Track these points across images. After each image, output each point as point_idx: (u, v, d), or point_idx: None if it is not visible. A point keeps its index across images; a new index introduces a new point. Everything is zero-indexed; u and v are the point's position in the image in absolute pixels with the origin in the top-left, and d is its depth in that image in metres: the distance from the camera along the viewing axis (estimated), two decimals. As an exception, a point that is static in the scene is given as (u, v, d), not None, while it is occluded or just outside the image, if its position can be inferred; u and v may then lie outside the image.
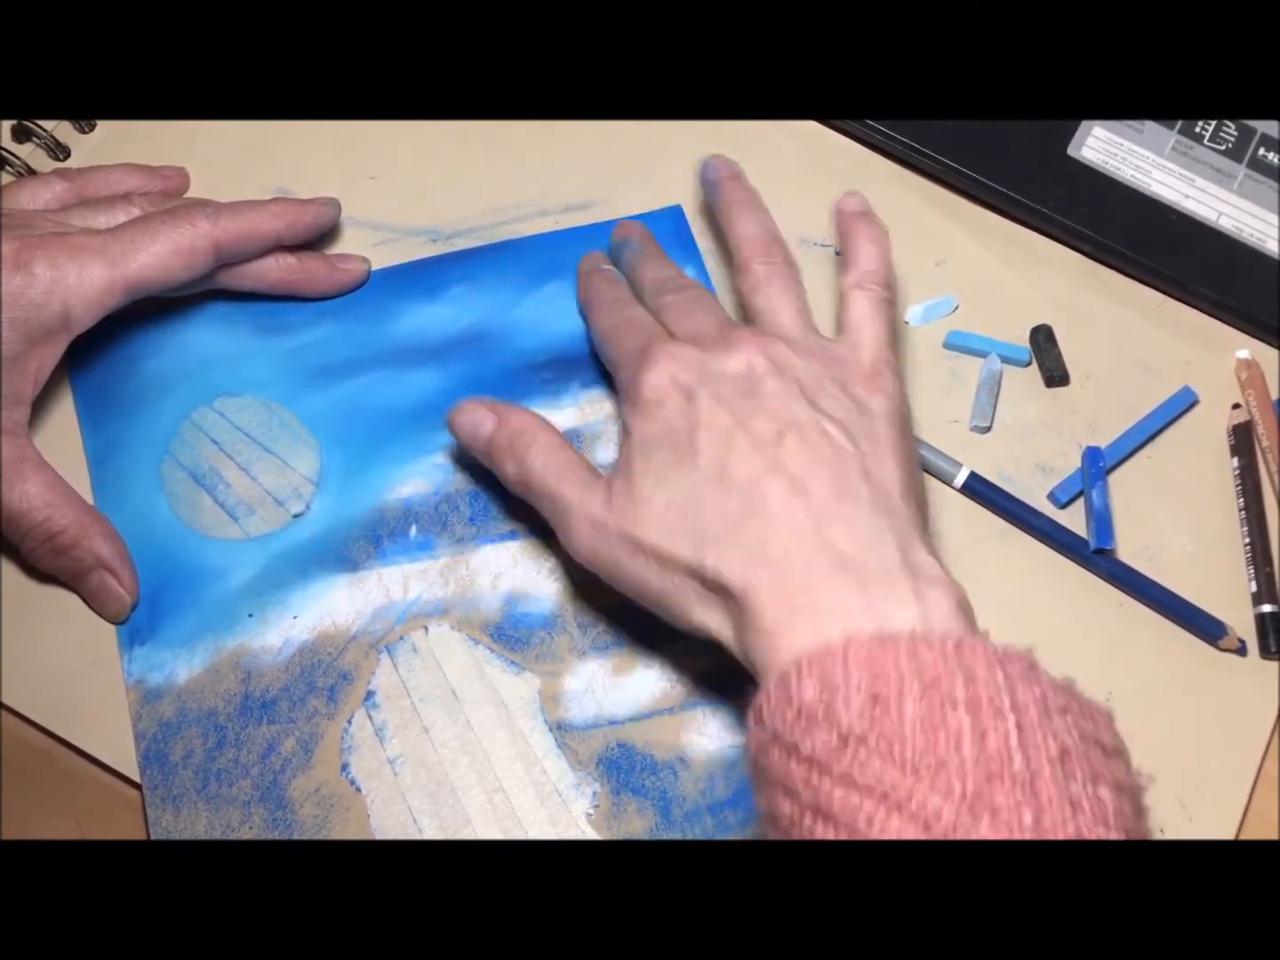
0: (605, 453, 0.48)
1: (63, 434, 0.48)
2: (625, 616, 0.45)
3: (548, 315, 0.50)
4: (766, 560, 0.36)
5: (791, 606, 0.35)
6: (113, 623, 0.45)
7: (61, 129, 0.52)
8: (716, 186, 0.49)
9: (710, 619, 0.38)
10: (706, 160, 0.50)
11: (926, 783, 0.30)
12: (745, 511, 0.37)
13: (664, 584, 0.39)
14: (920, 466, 0.43)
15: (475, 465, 0.47)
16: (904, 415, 0.42)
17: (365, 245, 0.51)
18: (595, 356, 0.49)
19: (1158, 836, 0.45)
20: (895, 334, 0.44)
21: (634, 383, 0.42)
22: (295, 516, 0.47)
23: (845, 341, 0.43)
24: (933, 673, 0.32)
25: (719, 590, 0.37)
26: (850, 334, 0.43)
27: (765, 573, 0.36)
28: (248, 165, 0.52)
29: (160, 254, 0.44)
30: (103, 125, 0.53)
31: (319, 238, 0.50)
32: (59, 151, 0.52)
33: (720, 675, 0.45)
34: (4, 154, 0.51)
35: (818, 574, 0.36)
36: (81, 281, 0.43)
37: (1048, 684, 0.33)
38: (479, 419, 0.44)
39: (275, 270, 0.48)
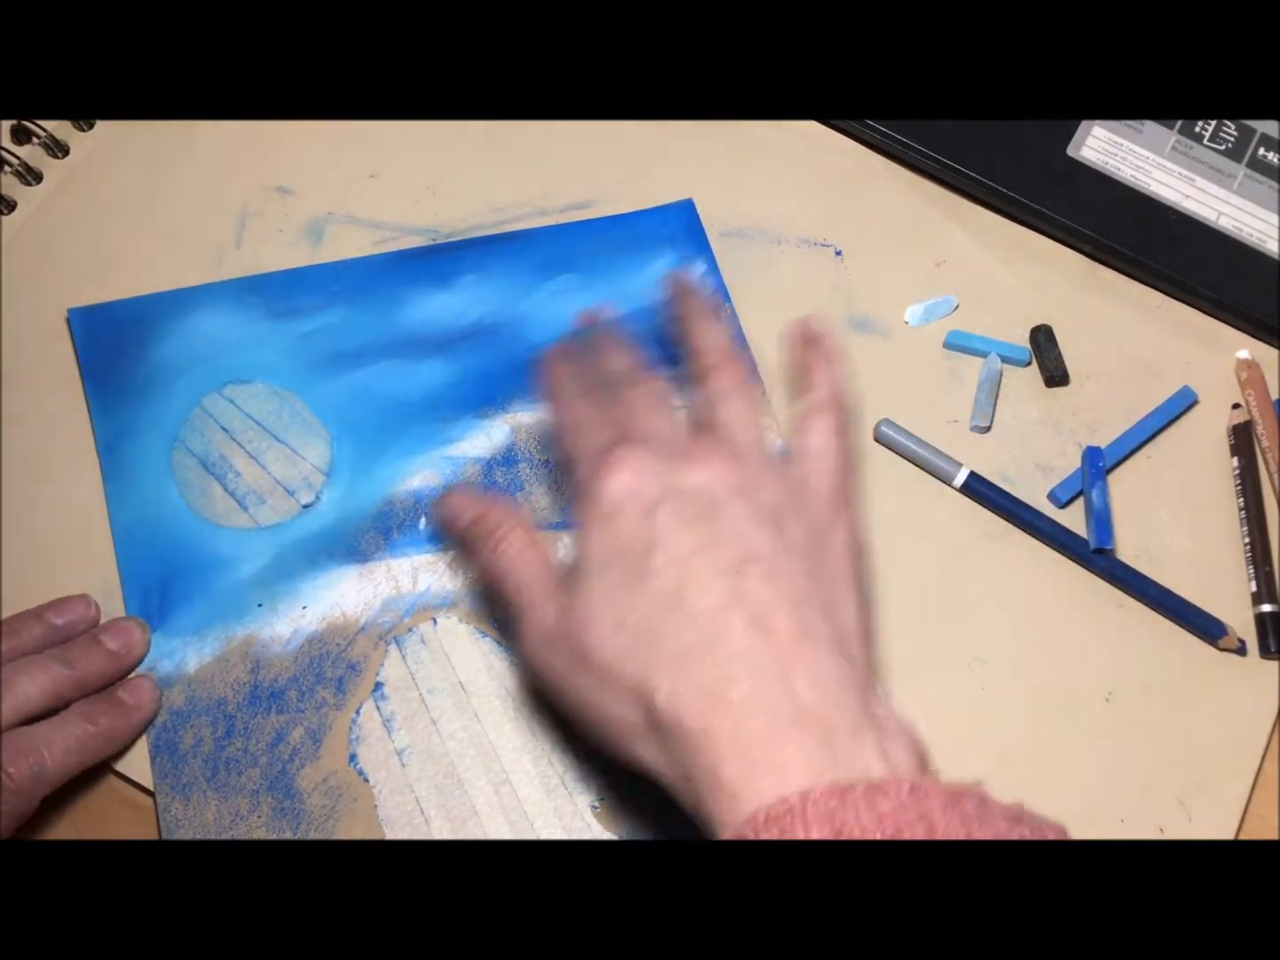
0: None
1: (73, 419, 0.48)
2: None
3: (558, 308, 0.50)
4: (726, 702, 0.34)
5: (753, 760, 0.33)
6: None
7: (61, 128, 0.52)
8: (675, 299, 0.47)
9: (656, 757, 0.36)
10: (665, 273, 0.49)
11: None
12: (702, 644, 0.35)
13: (608, 709, 0.37)
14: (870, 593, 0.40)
15: (480, 462, 0.47)
16: (862, 550, 0.40)
17: (365, 244, 0.51)
18: None
19: (1158, 836, 0.45)
20: (852, 461, 0.42)
21: (592, 488, 0.39)
22: (305, 507, 0.47)
23: (803, 469, 0.41)
24: (892, 824, 0.31)
25: (668, 725, 0.35)
26: (808, 461, 0.41)
27: (725, 717, 0.34)
28: (248, 165, 0.53)
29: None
30: (102, 125, 0.53)
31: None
32: (59, 151, 0.52)
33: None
34: (4, 154, 0.51)
35: (780, 724, 0.34)
36: None
37: (1001, 818, 0.32)
38: (462, 508, 0.43)
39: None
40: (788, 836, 0.31)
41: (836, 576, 0.38)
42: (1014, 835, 0.31)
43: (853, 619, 0.37)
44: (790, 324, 0.45)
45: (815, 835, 0.31)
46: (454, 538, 0.44)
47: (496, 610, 0.46)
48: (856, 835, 0.31)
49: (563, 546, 0.42)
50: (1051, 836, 0.32)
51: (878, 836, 0.31)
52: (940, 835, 0.31)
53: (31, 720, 0.42)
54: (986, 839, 0.31)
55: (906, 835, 0.31)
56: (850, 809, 0.31)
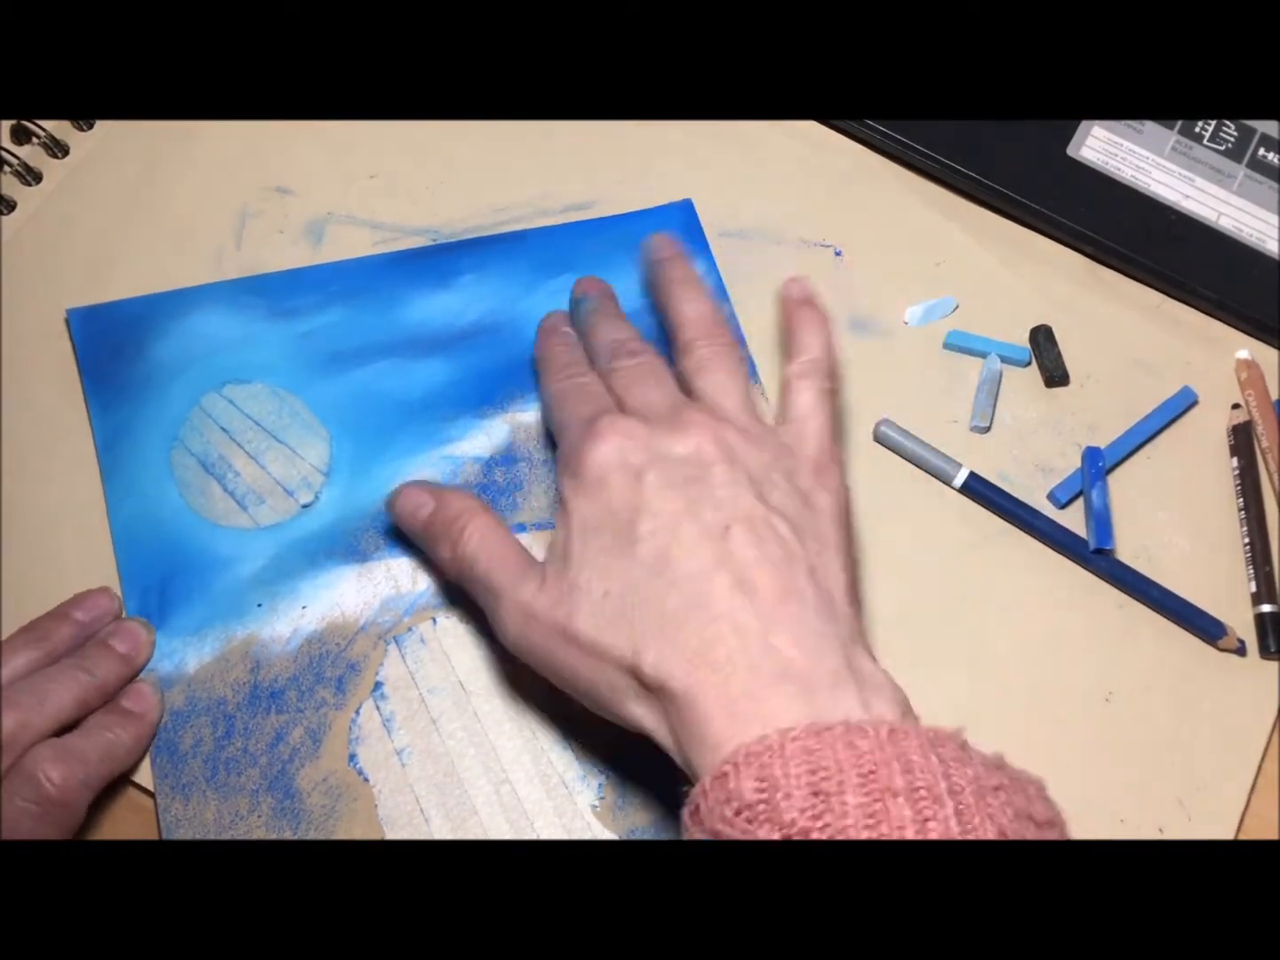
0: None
1: (73, 419, 0.48)
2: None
3: (557, 308, 0.50)
4: (710, 663, 0.35)
5: (736, 715, 0.34)
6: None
7: (61, 128, 0.52)
8: (658, 265, 0.48)
9: (645, 716, 0.36)
10: (647, 238, 0.49)
11: None
12: (688, 608, 0.36)
13: (596, 677, 0.37)
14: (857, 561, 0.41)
15: (479, 462, 0.47)
16: (847, 512, 0.41)
17: (365, 244, 0.51)
18: None
19: (1157, 836, 0.45)
20: (838, 424, 0.43)
21: (578, 455, 0.40)
22: (304, 507, 0.47)
23: (790, 432, 0.42)
24: (870, 762, 0.31)
25: (656, 688, 0.36)
26: (795, 425, 0.42)
27: (708, 676, 0.35)
28: (248, 165, 0.53)
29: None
30: (102, 124, 0.53)
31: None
32: (59, 151, 0.52)
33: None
34: (4, 154, 0.51)
35: (763, 681, 0.34)
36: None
37: (979, 764, 0.32)
38: (418, 501, 0.43)
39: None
40: (766, 773, 0.32)
41: (822, 537, 0.39)
42: (991, 781, 0.32)
43: (838, 578, 0.38)
44: (782, 282, 0.45)
45: (793, 772, 0.31)
46: (413, 534, 0.44)
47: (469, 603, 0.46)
48: (834, 775, 0.31)
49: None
50: (1032, 791, 0.33)
51: (855, 775, 0.31)
52: (918, 775, 0.31)
53: (62, 730, 0.41)
54: (963, 783, 0.31)
55: (883, 775, 0.31)
56: (828, 748, 0.32)
